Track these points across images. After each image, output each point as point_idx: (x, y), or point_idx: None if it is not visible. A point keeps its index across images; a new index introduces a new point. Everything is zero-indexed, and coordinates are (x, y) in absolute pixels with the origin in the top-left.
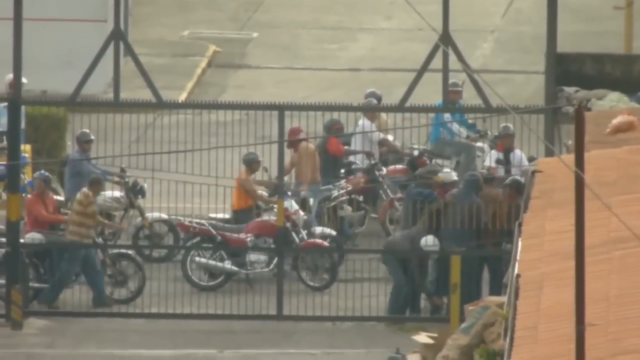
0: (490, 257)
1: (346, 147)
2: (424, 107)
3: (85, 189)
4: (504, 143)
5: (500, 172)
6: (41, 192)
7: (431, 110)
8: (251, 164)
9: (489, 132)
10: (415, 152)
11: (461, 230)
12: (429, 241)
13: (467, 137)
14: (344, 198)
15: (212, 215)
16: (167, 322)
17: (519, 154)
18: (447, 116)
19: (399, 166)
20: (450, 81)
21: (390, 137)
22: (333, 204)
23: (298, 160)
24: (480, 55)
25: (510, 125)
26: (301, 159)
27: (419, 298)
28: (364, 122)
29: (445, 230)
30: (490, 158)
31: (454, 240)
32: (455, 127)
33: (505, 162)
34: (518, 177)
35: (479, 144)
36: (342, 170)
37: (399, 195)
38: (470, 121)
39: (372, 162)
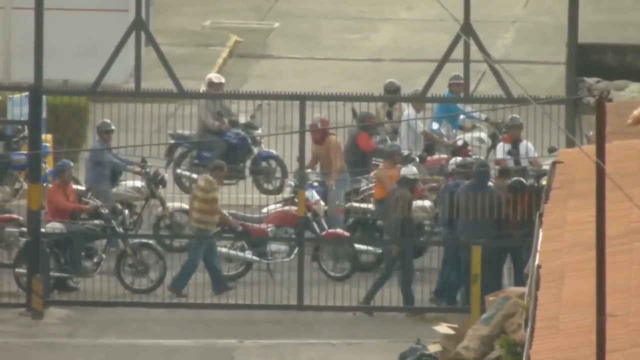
0: (513, 247)
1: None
2: (445, 98)
3: (207, 175)
4: (512, 134)
5: (511, 163)
6: (63, 181)
7: (452, 101)
8: (394, 155)
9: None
10: (460, 142)
11: (481, 221)
12: (409, 169)
13: (464, 127)
14: (373, 192)
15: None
16: (187, 311)
17: (529, 145)
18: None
19: (441, 156)
20: (452, 74)
21: (435, 127)
22: (361, 197)
23: (325, 152)
24: (501, 45)
25: (517, 116)
26: (329, 152)
27: (455, 288)
28: (409, 112)
29: (464, 221)
30: (500, 150)
31: (473, 231)
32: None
33: (516, 153)
34: (522, 179)
35: (481, 134)
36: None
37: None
38: (476, 113)
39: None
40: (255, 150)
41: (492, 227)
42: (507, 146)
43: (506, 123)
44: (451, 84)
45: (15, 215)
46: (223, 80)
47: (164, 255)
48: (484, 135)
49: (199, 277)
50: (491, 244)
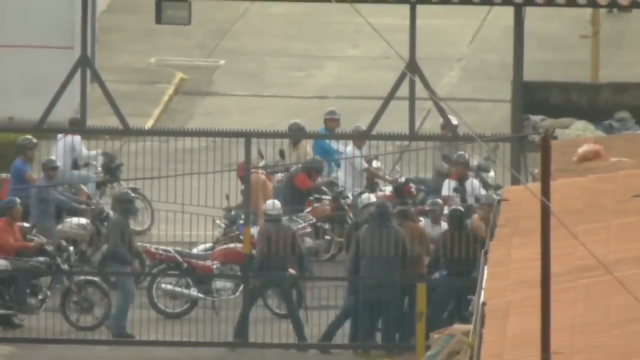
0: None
1: (315, 180)
2: (391, 135)
3: None
4: (458, 171)
5: (457, 200)
6: (11, 218)
7: (398, 138)
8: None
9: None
10: (402, 179)
11: (386, 258)
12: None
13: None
14: (307, 230)
15: None
16: (133, 348)
17: (475, 184)
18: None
19: (387, 193)
20: (328, 109)
21: (376, 164)
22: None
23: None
24: (446, 83)
25: (465, 153)
26: (252, 190)
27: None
28: (353, 149)
29: (368, 261)
30: (446, 187)
31: (379, 268)
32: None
33: (462, 190)
34: (459, 208)
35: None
36: (312, 198)
37: None
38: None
39: (338, 190)
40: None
41: (396, 266)
42: (453, 183)
43: (453, 159)
44: (326, 119)
45: None
46: None
47: (109, 292)
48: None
49: (143, 314)
50: (393, 283)
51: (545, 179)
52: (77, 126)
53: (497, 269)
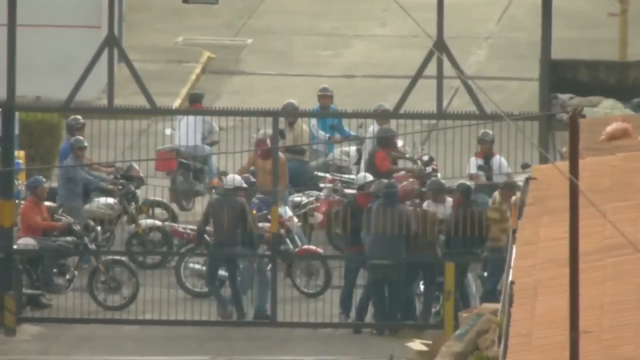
0: (426, 265)
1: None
2: (418, 114)
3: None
4: (483, 149)
5: (483, 178)
6: (37, 198)
7: (425, 117)
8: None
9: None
10: (425, 158)
11: (390, 237)
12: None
13: (329, 138)
14: (314, 205)
15: None
16: (160, 328)
17: (498, 160)
18: (313, 123)
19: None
20: (320, 86)
21: (400, 143)
22: (303, 211)
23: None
24: (474, 61)
25: (490, 132)
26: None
27: (414, 303)
28: (374, 128)
29: (373, 239)
30: (473, 164)
31: (382, 248)
32: (320, 133)
33: (488, 168)
34: (467, 183)
35: (350, 148)
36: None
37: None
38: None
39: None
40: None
41: (400, 246)
42: (479, 161)
43: (478, 137)
44: (319, 96)
45: None
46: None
47: (137, 272)
48: (352, 149)
49: (171, 293)
50: (399, 262)
51: (573, 157)
52: (197, 101)
53: (525, 248)
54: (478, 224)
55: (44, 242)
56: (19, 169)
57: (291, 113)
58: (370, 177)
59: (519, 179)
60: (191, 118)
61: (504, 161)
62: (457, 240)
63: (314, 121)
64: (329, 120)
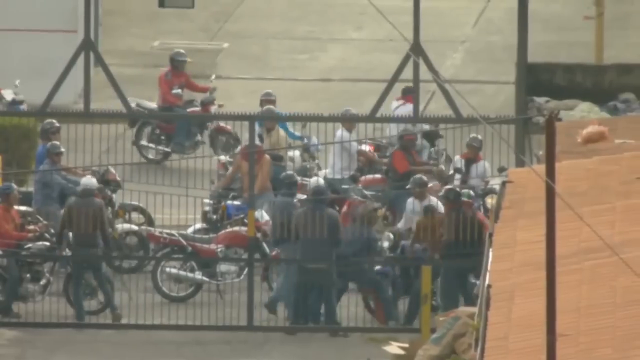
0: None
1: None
2: (394, 118)
3: None
4: (469, 152)
5: (456, 180)
6: (8, 204)
7: (402, 121)
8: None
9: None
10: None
11: (320, 241)
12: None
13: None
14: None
15: None
16: (137, 332)
17: (482, 166)
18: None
19: (377, 176)
20: (264, 91)
21: (365, 148)
22: None
23: (259, 170)
24: (450, 65)
25: (479, 137)
26: (263, 168)
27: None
28: (342, 133)
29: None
30: (453, 163)
31: (312, 251)
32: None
33: (465, 171)
34: (453, 187)
35: (295, 152)
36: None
37: (376, 204)
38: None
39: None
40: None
41: (329, 249)
42: (459, 162)
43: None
44: (262, 100)
45: None
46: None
47: (112, 276)
48: (297, 153)
49: (148, 298)
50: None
51: (550, 160)
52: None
53: (502, 252)
54: (470, 227)
55: (11, 253)
56: None
57: (266, 117)
58: (322, 182)
59: (496, 183)
60: None
61: (487, 167)
62: (456, 244)
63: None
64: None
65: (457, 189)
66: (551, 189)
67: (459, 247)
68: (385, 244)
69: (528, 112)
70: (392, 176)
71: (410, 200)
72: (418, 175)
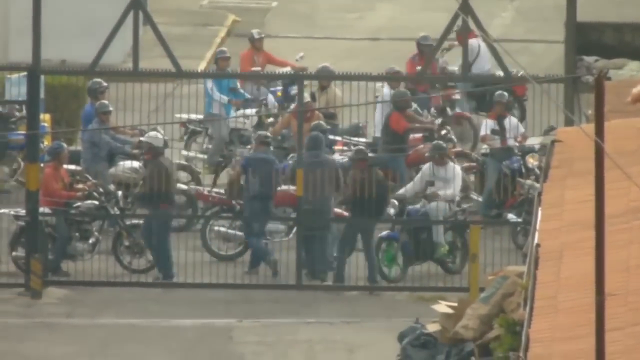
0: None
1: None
2: (442, 77)
3: None
4: (497, 110)
5: (496, 142)
6: (58, 163)
7: (450, 79)
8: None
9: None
10: (438, 122)
11: (321, 187)
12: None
13: (228, 101)
14: None
15: None
16: (186, 291)
17: (514, 121)
18: (210, 85)
19: (417, 135)
20: (218, 49)
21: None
22: None
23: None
24: (500, 24)
25: (505, 93)
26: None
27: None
28: (387, 92)
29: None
30: (484, 127)
31: (321, 205)
32: (216, 94)
33: (501, 129)
34: (361, 148)
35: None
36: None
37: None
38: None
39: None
40: None
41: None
42: (491, 123)
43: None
44: (218, 59)
45: None
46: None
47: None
48: (249, 111)
49: (197, 256)
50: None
51: (599, 119)
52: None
53: (550, 211)
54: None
55: (59, 212)
56: (44, 132)
57: (314, 77)
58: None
59: (540, 142)
60: None
61: (514, 121)
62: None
63: (210, 83)
64: (226, 83)
65: (364, 150)
66: (600, 148)
67: (363, 204)
68: (391, 211)
69: (577, 72)
70: (386, 139)
71: (427, 165)
72: (437, 142)
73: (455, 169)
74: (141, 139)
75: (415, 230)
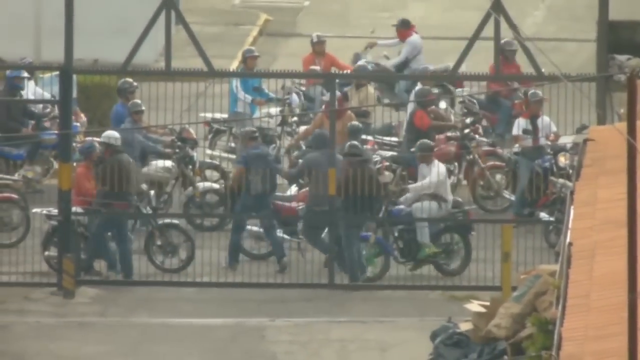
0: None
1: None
2: (475, 76)
3: None
4: (532, 109)
5: (528, 141)
6: (90, 163)
7: (482, 79)
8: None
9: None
10: (468, 121)
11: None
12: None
13: (252, 100)
14: (383, 164)
15: None
16: (218, 290)
17: (547, 120)
18: (235, 83)
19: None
20: (246, 47)
21: (443, 105)
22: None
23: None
24: (532, 23)
25: (539, 92)
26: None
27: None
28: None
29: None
30: (517, 126)
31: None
32: (241, 93)
33: (533, 128)
34: (354, 143)
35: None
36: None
37: (490, 163)
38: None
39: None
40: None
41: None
42: (524, 122)
43: (528, 97)
44: (246, 58)
45: (13, 195)
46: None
47: (193, 234)
48: (273, 110)
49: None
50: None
51: (631, 118)
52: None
53: (583, 209)
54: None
55: (91, 211)
56: (76, 132)
57: (346, 76)
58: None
59: (573, 140)
60: None
61: (547, 120)
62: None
63: (236, 82)
64: (251, 82)
65: (357, 145)
66: (632, 146)
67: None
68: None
69: (609, 70)
70: (410, 137)
71: (421, 166)
72: (423, 140)
73: (440, 167)
74: (95, 138)
75: (400, 231)
